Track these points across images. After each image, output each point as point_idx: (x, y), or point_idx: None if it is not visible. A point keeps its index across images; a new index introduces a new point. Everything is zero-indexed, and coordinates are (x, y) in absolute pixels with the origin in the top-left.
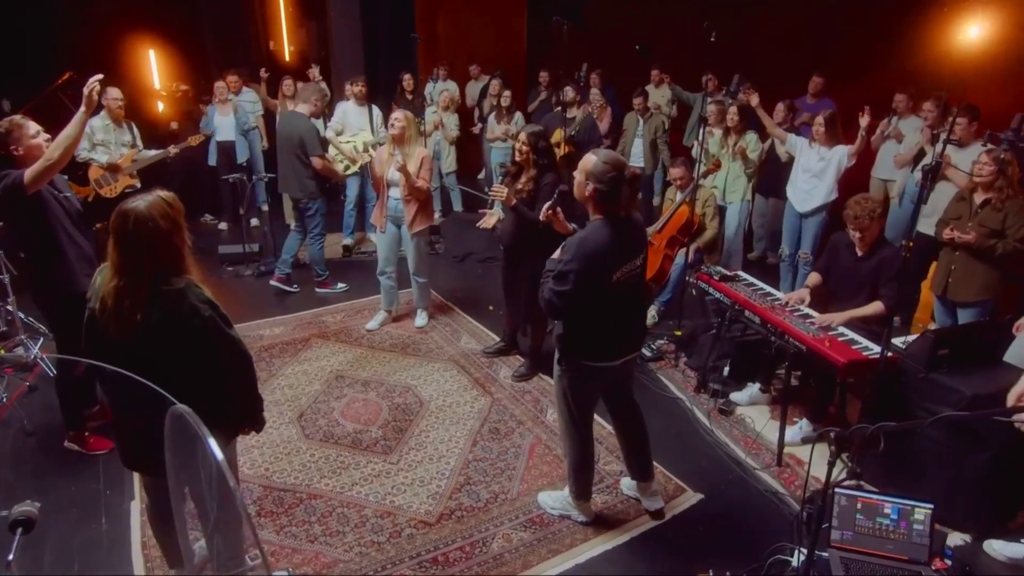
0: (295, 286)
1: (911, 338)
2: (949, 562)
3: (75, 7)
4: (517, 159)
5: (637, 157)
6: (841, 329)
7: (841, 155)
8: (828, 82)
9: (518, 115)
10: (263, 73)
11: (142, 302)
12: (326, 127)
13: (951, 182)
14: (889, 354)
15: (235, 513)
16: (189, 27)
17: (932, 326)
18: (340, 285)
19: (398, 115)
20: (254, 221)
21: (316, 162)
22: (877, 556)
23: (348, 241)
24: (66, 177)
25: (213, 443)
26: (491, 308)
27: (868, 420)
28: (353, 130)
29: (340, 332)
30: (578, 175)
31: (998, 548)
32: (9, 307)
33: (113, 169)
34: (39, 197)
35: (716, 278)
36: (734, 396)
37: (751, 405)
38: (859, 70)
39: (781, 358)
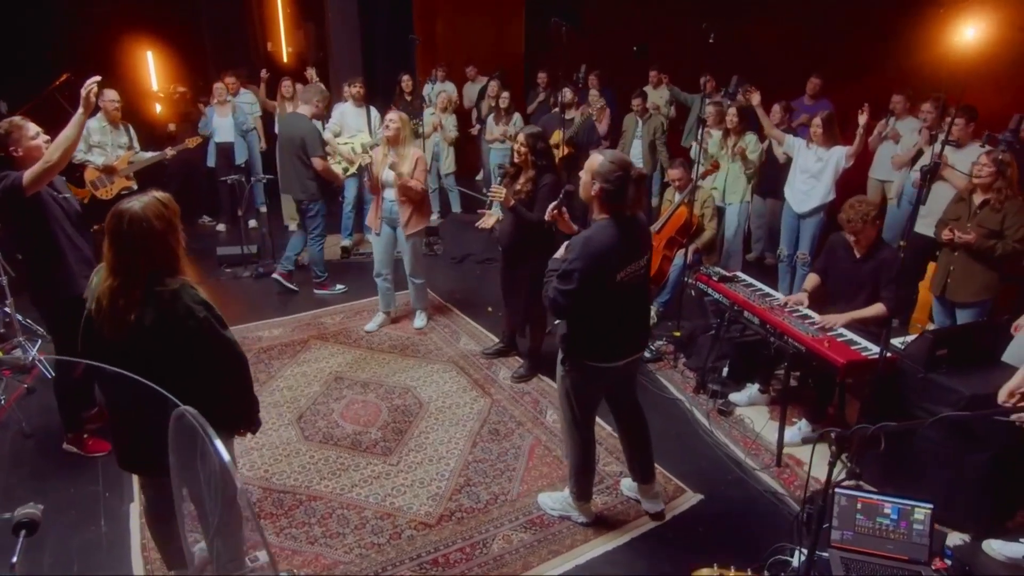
0: (295, 285)
1: (910, 338)
2: (949, 562)
3: (73, 8)
4: (516, 160)
5: (636, 158)
6: (840, 330)
7: (839, 156)
8: (826, 83)
9: (517, 116)
10: (263, 74)
11: (136, 302)
12: (324, 128)
13: (948, 182)
14: (888, 354)
15: (236, 514)
16: (187, 28)
17: (930, 326)
18: (339, 286)
19: (393, 116)
20: (252, 222)
21: (317, 163)
22: (877, 556)
23: (346, 242)
24: (63, 179)
25: (220, 444)
26: (490, 309)
27: (867, 420)
28: (351, 131)
29: (339, 333)
30: (584, 175)
31: (997, 548)
32: (7, 309)
33: (109, 171)
34: (38, 198)
35: (715, 279)
36: (733, 397)
37: (750, 406)
38: (857, 71)
39: (780, 359)
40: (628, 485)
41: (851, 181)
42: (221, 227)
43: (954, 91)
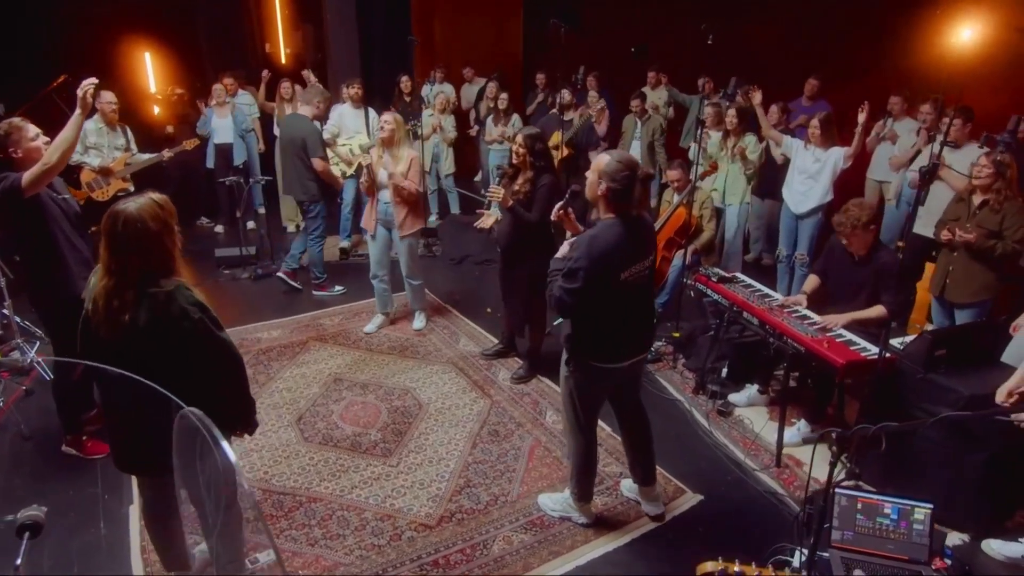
0: (299, 284)
1: (908, 339)
2: (949, 562)
3: (71, 10)
4: (514, 161)
5: None
6: (839, 330)
7: (837, 157)
8: (824, 84)
9: (515, 117)
10: (265, 75)
11: (130, 303)
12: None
13: (945, 182)
14: (887, 355)
15: (236, 516)
16: (185, 30)
17: (928, 327)
18: (337, 288)
19: (388, 118)
20: (251, 224)
21: (317, 164)
22: (877, 556)
23: (345, 244)
24: (62, 180)
25: (226, 445)
26: (489, 310)
27: (866, 421)
28: (349, 133)
29: (338, 335)
30: (591, 174)
31: (996, 547)
32: (5, 311)
33: (105, 173)
34: (37, 200)
35: (714, 280)
36: (732, 397)
37: (749, 406)
38: (854, 72)
39: (779, 359)
40: (628, 486)
41: (849, 182)
42: (219, 228)
43: (952, 92)
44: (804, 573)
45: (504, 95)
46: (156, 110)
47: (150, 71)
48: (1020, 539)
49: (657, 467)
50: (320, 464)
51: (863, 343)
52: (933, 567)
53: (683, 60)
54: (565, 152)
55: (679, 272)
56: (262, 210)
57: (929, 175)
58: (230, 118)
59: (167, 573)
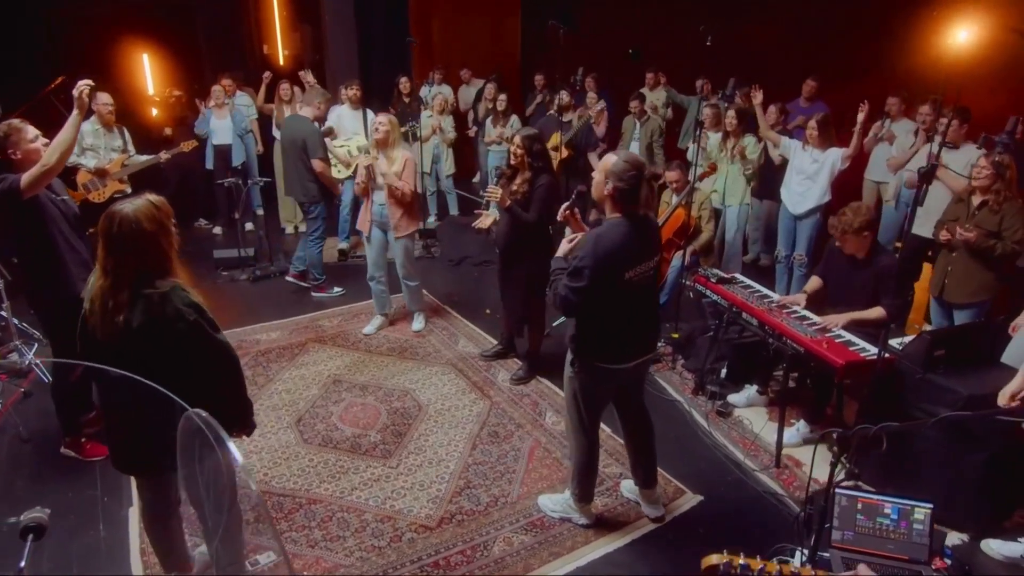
0: (309, 283)
1: (907, 339)
2: (949, 561)
3: (70, 11)
4: (512, 162)
5: None
6: (838, 331)
7: (835, 158)
8: (821, 85)
9: (514, 118)
10: (265, 77)
11: (124, 303)
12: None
13: (941, 182)
14: (886, 355)
15: (236, 517)
16: (183, 31)
17: (927, 327)
18: (336, 289)
19: (382, 119)
20: (249, 225)
21: (316, 164)
22: (878, 556)
23: (344, 245)
24: (61, 181)
25: (233, 447)
26: (488, 312)
27: (865, 421)
28: (347, 134)
29: (337, 336)
30: (598, 174)
31: (995, 547)
32: (3, 312)
33: (101, 174)
34: (36, 201)
35: (713, 281)
36: (732, 398)
37: (749, 407)
38: (852, 73)
39: (778, 360)
40: (628, 487)
41: (847, 183)
42: (218, 230)
43: (950, 93)
44: (809, 567)
45: (503, 96)
46: (154, 112)
47: (148, 72)
48: (1019, 539)
49: (658, 468)
50: (320, 466)
51: (862, 343)
52: (933, 567)
53: (681, 61)
54: (565, 153)
55: (678, 273)
56: (260, 211)
57: (928, 176)
58: (229, 119)
59: (167, 575)
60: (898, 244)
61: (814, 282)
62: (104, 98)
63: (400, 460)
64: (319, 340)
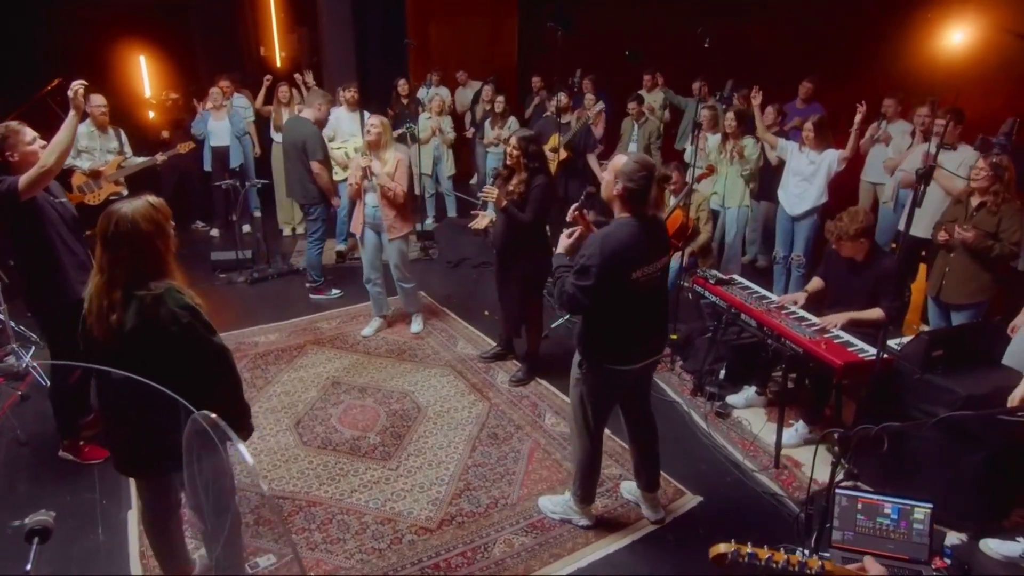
0: (334, 292)
1: (905, 339)
2: (948, 561)
3: (67, 13)
4: (508, 163)
5: None
6: (836, 331)
7: (831, 159)
8: (818, 87)
9: (512, 120)
10: (266, 79)
11: (118, 303)
12: None
13: (935, 182)
14: (884, 356)
15: (236, 519)
16: (180, 33)
17: (923, 327)
18: (334, 291)
19: (374, 121)
20: (246, 227)
21: (314, 166)
22: (878, 556)
23: (342, 247)
24: (59, 183)
25: (244, 449)
26: (487, 313)
27: (863, 421)
28: (344, 136)
29: (335, 338)
30: (607, 175)
31: (994, 547)
32: (0, 315)
33: (96, 175)
34: (34, 203)
35: (711, 282)
36: (731, 399)
37: (748, 408)
38: (848, 75)
39: (777, 361)
40: (628, 488)
41: (844, 185)
42: (215, 232)
43: (948, 94)
44: (816, 556)
45: (500, 98)
46: (151, 115)
47: (145, 74)
48: (1018, 538)
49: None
50: (319, 468)
51: (861, 344)
52: (933, 567)
53: (679, 63)
54: (564, 155)
55: (676, 274)
56: (258, 213)
57: (925, 177)
58: (226, 121)
59: None
60: (894, 245)
61: (815, 282)
62: (97, 100)
63: (400, 462)
64: (317, 342)
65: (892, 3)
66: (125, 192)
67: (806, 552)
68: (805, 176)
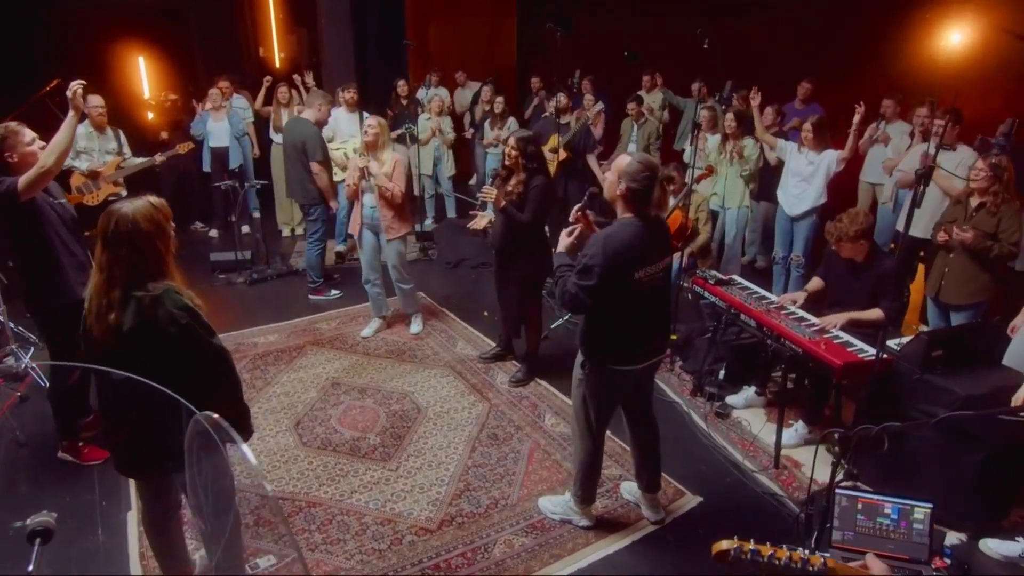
0: (333, 292)
1: (904, 340)
2: (948, 561)
3: (65, 14)
4: (506, 163)
5: None
6: (836, 331)
7: (830, 160)
8: (817, 87)
9: (511, 120)
10: (266, 81)
11: (116, 302)
12: None
13: (933, 182)
14: (884, 356)
15: (236, 520)
16: (179, 34)
17: (923, 328)
18: (334, 292)
19: (371, 121)
20: (246, 228)
21: (314, 167)
22: (878, 556)
23: (341, 248)
24: (58, 184)
25: (247, 450)
26: (486, 314)
27: (863, 421)
28: (343, 137)
29: (335, 339)
30: (610, 174)
31: (993, 546)
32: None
33: (94, 176)
34: (33, 204)
35: (711, 282)
36: (730, 399)
37: (747, 408)
38: (846, 75)
39: (776, 361)
40: (628, 489)
41: (843, 185)
42: (214, 233)
43: (947, 95)
44: (819, 554)
45: (499, 99)
46: (150, 116)
47: (144, 75)
48: (1017, 538)
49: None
50: (319, 468)
51: (860, 344)
52: (933, 566)
53: (678, 63)
54: (563, 155)
55: (675, 275)
56: (257, 214)
57: (925, 177)
58: (226, 121)
59: None
60: (892, 246)
61: (815, 282)
62: (95, 100)
63: (400, 463)
64: (317, 343)
65: (891, 3)
66: (124, 193)
67: (807, 551)
68: (804, 177)
